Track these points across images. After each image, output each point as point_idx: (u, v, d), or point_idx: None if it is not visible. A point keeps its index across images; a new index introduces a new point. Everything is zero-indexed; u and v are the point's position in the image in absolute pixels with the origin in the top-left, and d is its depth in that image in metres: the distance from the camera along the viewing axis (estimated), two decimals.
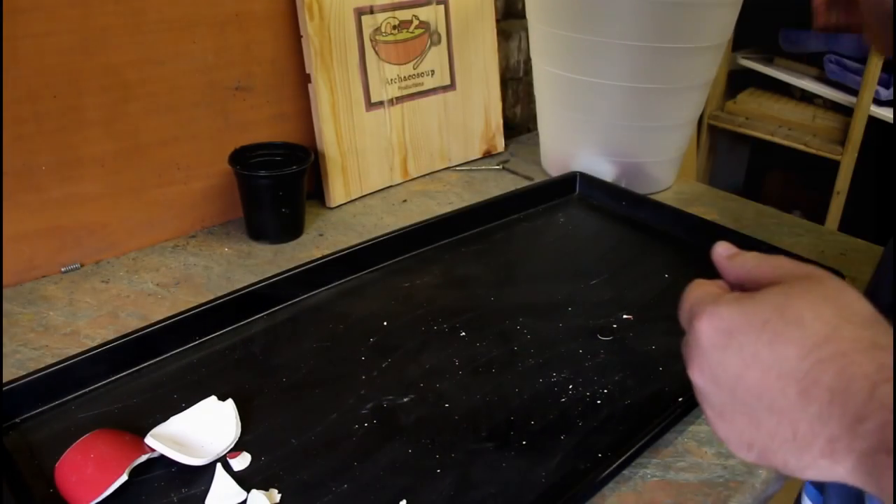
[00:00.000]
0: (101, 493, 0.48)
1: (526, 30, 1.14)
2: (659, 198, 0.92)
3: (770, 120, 1.69)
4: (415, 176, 0.98)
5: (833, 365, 0.29)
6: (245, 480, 0.50)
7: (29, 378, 0.55)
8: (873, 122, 1.53)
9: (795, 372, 0.30)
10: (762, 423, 0.31)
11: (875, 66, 1.46)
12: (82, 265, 0.76)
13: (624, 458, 0.51)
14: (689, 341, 0.34)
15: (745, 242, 0.79)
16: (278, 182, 0.78)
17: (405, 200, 0.92)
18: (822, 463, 0.30)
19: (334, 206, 0.89)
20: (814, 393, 0.29)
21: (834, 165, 1.59)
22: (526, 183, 0.96)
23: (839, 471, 0.29)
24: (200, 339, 0.64)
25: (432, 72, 0.96)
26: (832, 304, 0.30)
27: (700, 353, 0.33)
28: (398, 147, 0.94)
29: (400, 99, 0.93)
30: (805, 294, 0.31)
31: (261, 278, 0.68)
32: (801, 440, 0.30)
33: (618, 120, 0.90)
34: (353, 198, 0.91)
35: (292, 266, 0.70)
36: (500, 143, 1.07)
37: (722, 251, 0.37)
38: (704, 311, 0.33)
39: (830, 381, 0.29)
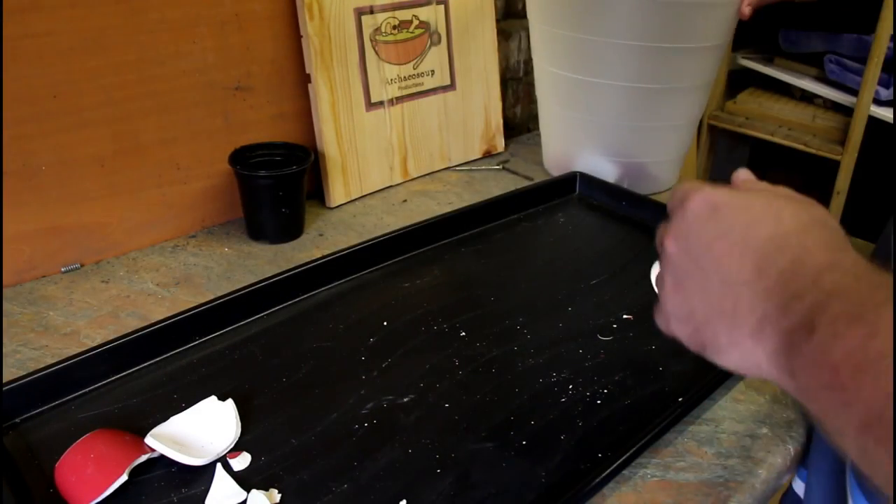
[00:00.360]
0: (101, 493, 0.48)
1: (526, 29, 1.14)
2: (660, 198, 0.92)
3: (770, 120, 1.69)
4: (415, 176, 0.98)
5: (791, 252, 0.32)
6: (245, 480, 0.50)
7: (29, 378, 0.55)
8: (873, 122, 1.53)
9: (758, 250, 0.33)
10: (711, 294, 0.34)
11: (875, 66, 1.46)
12: (82, 265, 0.76)
13: (624, 458, 0.51)
14: (675, 217, 0.37)
15: None
16: (278, 182, 0.78)
17: (405, 200, 0.92)
18: (747, 343, 0.33)
19: (334, 206, 0.89)
20: (766, 271, 0.32)
21: (834, 165, 1.59)
22: (526, 183, 0.96)
23: (759, 355, 0.32)
24: (200, 339, 0.64)
25: (432, 72, 0.96)
26: (812, 215, 0.34)
27: (683, 222, 0.36)
28: (398, 147, 0.94)
29: (400, 99, 0.93)
30: (792, 202, 0.35)
31: (261, 278, 0.68)
32: (738, 315, 0.33)
33: (619, 120, 0.90)
34: (353, 198, 0.91)
35: (292, 266, 0.70)
36: (500, 143, 1.07)
37: (742, 175, 0.40)
38: (700, 191, 0.36)
39: (784, 263, 0.32)
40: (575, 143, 0.95)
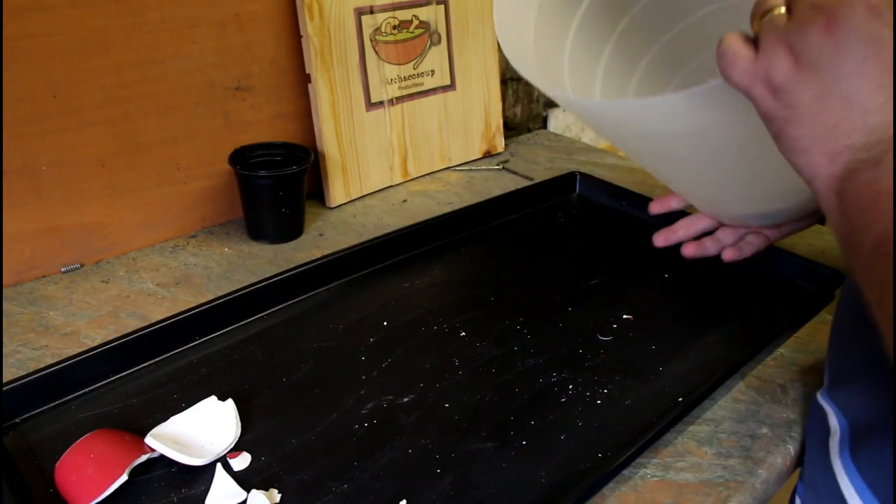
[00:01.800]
0: (102, 493, 0.48)
1: None
2: None
3: None
4: (415, 176, 0.98)
5: None
6: (245, 480, 0.50)
7: (29, 378, 0.55)
8: None
9: (889, 77, 0.32)
10: (827, 101, 0.33)
11: None
12: (82, 265, 0.76)
13: (624, 458, 0.51)
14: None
15: None
16: (278, 182, 0.78)
17: (405, 200, 0.92)
18: (819, 158, 0.33)
19: (334, 206, 0.89)
20: (887, 108, 0.32)
21: None
22: (526, 183, 0.96)
23: (820, 170, 0.33)
24: (200, 339, 0.64)
25: (432, 72, 0.96)
26: None
27: (850, 10, 0.32)
28: (398, 147, 0.94)
29: (400, 99, 0.93)
30: None
31: (261, 278, 0.68)
32: (834, 133, 0.33)
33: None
34: (353, 198, 0.91)
35: (292, 266, 0.70)
36: (500, 143, 1.07)
37: None
38: None
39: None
40: None
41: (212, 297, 0.66)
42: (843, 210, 0.33)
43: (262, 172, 0.78)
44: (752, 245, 0.65)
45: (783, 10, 0.35)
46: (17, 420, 0.55)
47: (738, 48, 0.36)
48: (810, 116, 0.33)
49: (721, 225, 0.67)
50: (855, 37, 0.32)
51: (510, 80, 1.15)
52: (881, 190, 0.31)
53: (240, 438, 0.53)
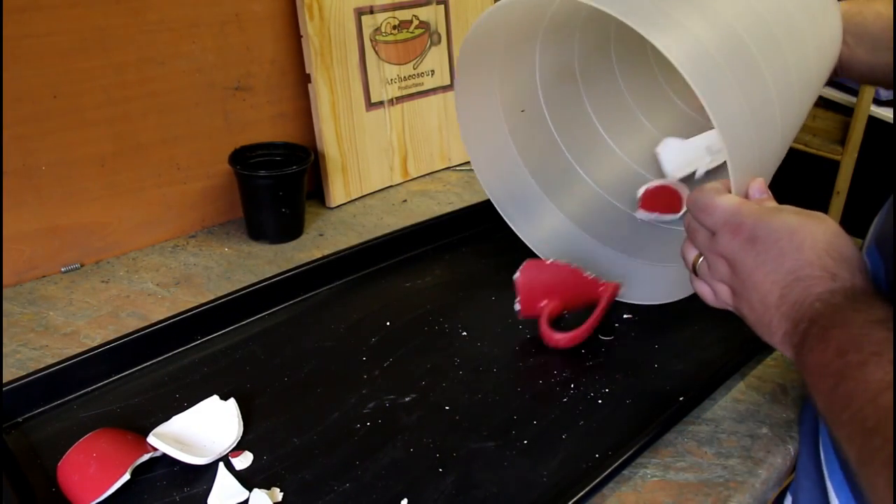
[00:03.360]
0: (104, 492, 0.48)
1: None
2: None
3: None
4: (415, 176, 0.98)
5: (803, 283, 0.42)
6: (247, 479, 0.50)
7: (30, 378, 0.55)
8: (873, 121, 1.53)
9: (782, 282, 0.43)
10: (754, 309, 0.45)
11: None
12: (82, 265, 0.76)
13: (624, 457, 0.51)
14: (721, 237, 0.46)
15: None
16: (278, 182, 0.78)
17: (405, 200, 0.92)
18: (779, 347, 0.44)
19: (334, 206, 0.89)
20: (786, 298, 0.42)
21: (834, 165, 1.59)
22: None
23: (788, 353, 0.43)
24: (202, 338, 0.64)
25: (432, 72, 0.96)
26: (825, 241, 0.42)
27: (729, 247, 0.45)
28: (398, 147, 0.94)
29: (400, 99, 0.93)
30: (811, 226, 0.43)
31: (261, 278, 0.68)
32: (772, 328, 0.44)
33: None
34: (353, 198, 0.91)
35: (292, 266, 0.71)
36: None
37: (756, 189, 0.48)
38: (735, 221, 0.45)
39: (797, 294, 0.42)
40: None
41: (212, 297, 0.66)
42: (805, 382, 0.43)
43: (262, 172, 0.78)
44: None
45: (701, 257, 0.49)
46: (20, 419, 0.55)
47: (702, 291, 0.50)
48: (755, 321, 0.46)
49: None
50: (741, 260, 0.44)
51: None
52: (811, 370, 0.40)
53: (242, 438, 0.53)
